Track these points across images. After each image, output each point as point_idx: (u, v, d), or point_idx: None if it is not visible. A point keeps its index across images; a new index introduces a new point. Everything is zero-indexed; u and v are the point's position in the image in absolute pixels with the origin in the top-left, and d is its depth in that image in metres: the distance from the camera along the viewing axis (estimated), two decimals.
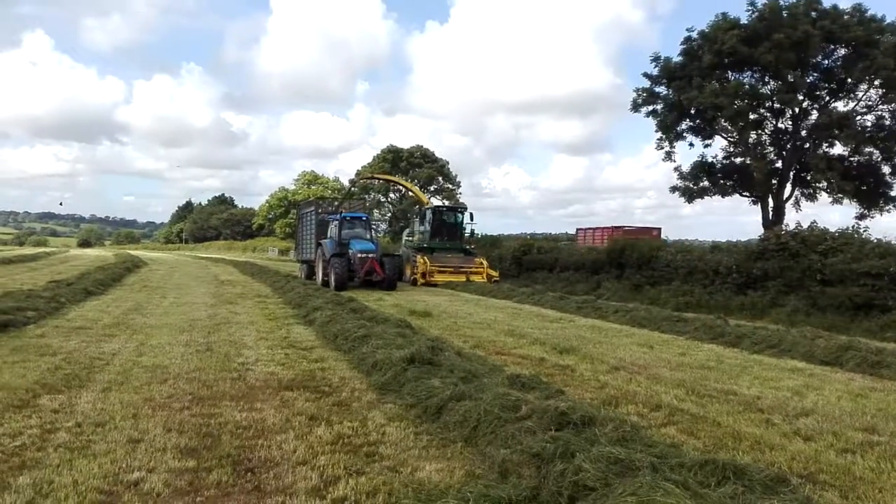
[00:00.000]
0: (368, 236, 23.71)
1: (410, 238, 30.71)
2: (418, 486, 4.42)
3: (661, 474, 4.00)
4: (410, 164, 62.78)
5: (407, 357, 7.67)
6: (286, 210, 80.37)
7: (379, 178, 46.43)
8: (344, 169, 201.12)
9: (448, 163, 65.99)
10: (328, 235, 23.85)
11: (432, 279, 25.19)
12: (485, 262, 26.85)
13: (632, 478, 3.95)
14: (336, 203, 31.09)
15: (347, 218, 23.97)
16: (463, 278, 25.38)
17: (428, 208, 29.88)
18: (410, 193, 39.70)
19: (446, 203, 31.13)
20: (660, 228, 38.81)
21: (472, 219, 28.87)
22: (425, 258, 25.67)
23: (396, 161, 62.51)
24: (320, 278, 22.70)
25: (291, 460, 4.89)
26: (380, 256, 22.38)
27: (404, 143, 66.99)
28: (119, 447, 5.07)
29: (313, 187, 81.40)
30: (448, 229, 28.53)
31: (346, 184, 76.14)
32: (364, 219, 24.69)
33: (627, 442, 4.78)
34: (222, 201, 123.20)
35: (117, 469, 4.63)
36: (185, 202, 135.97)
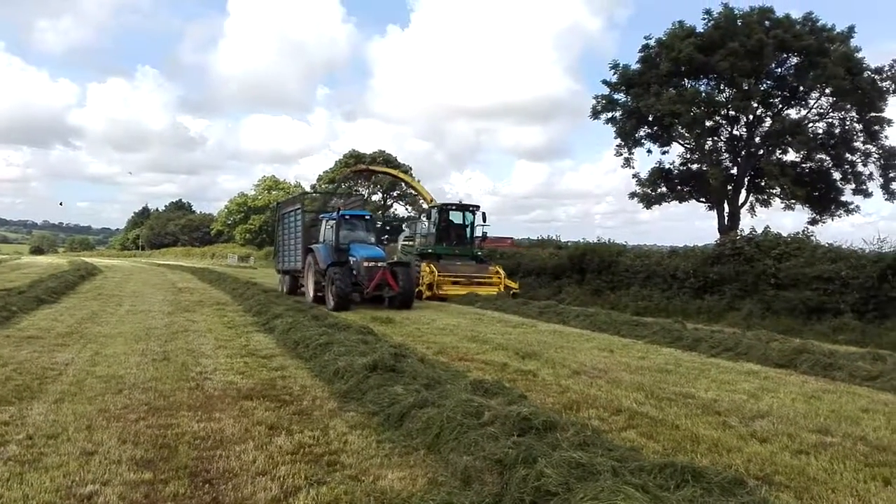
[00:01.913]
0: (373, 240, 19.38)
1: (410, 242, 26.66)
2: (380, 495, 4.39)
3: (621, 478, 4.03)
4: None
5: (369, 364, 7.62)
6: (246, 216, 79.38)
7: (375, 171, 39.48)
8: (304, 174, 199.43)
9: (410, 168, 65.94)
10: (321, 239, 19.29)
11: (441, 292, 21.19)
12: (501, 272, 22.86)
13: (593, 482, 3.98)
14: (327, 197, 26.72)
15: (347, 217, 19.18)
16: (482, 290, 21.48)
17: (433, 207, 25.61)
18: (411, 190, 36.94)
19: (460, 201, 25.02)
20: (512, 238, 38.65)
21: (484, 219, 24.18)
22: (432, 266, 21.73)
23: (358, 163, 62.24)
24: (311, 293, 18.49)
25: (251, 471, 4.81)
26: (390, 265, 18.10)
27: (366, 148, 66.77)
28: (72, 460, 4.93)
29: (274, 192, 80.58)
30: (457, 232, 24.32)
31: (309, 187, 75.60)
32: (368, 218, 20.11)
33: (588, 446, 4.81)
34: (180, 207, 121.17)
35: (70, 482, 4.50)
36: (141, 208, 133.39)
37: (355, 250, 17.87)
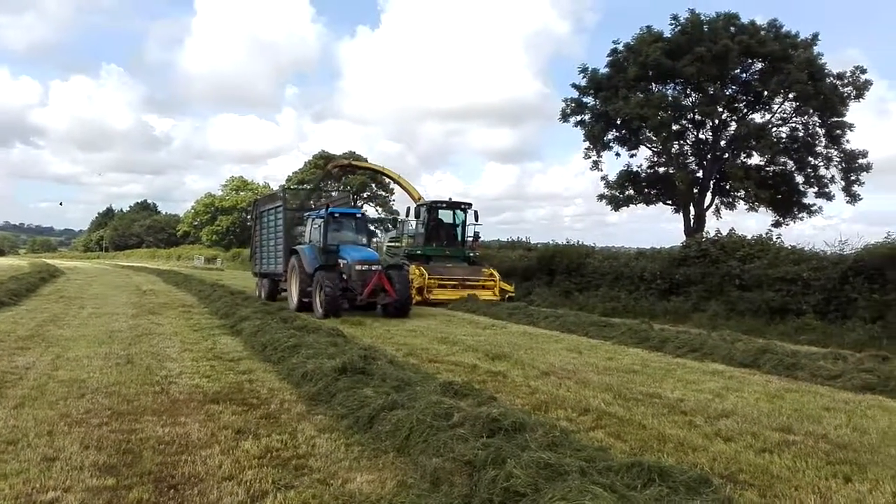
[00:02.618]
0: (365, 241, 17.84)
1: (396, 243, 25.01)
2: (349, 499, 4.36)
3: (589, 478, 4.06)
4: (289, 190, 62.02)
5: (338, 367, 7.56)
6: (213, 217, 78.43)
7: (358, 167, 35.80)
8: (273, 174, 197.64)
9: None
10: (307, 239, 17.70)
11: (432, 296, 19.75)
12: (496, 274, 21.31)
13: (561, 482, 4.00)
14: (310, 194, 24.54)
15: (336, 215, 17.55)
16: (477, 294, 20.06)
17: (421, 205, 23.86)
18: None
19: (450, 198, 23.32)
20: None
21: (476, 218, 22.74)
22: (421, 268, 20.32)
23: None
24: (295, 299, 17.00)
25: (217, 476, 4.74)
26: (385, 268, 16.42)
27: (336, 149, 66.43)
28: (33, 466, 4.82)
29: (242, 193, 79.81)
30: (447, 231, 22.91)
31: (278, 187, 74.95)
32: (359, 216, 18.59)
33: (557, 447, 4.84)
34: (145, 207, 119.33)
35: (30, 489, 4.40)
36: (105, 208, 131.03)
37: (346, 252, 16.31)
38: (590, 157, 32.20)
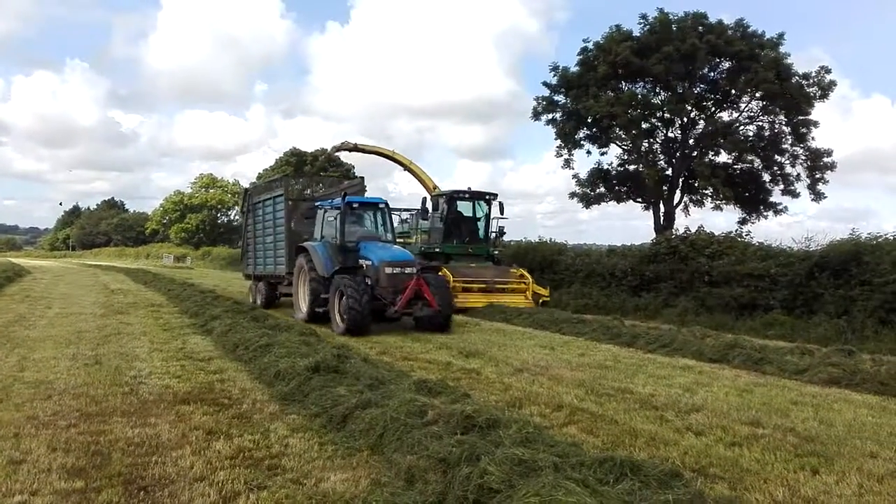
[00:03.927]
0: (390, 236, 15.05)
1: (408, 239, 21.24)
2: (322, 498, 4.34)
3: (562, 473, 4.09)
4: (315, 168, 61.79)
5: (311, 365, 7.52)
6: (182, 214, 77.41)
7: (365, 150, 29.01)
8: (243, 171, 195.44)
9: (354, 167, 65.40)
10: (318, 235, 14.95)
11: (458, 302, 16.11)
12: (528, 276, 18.69)
13: (535, 478, 4.02)
14: (312, 181, 20.98)
15: (355, 205, 14.82)
16: (506, 299, 17.52)
17: (439, 195, 20.84)
18: (401, 170, 27.65)
19: (468, 188, 20.31)
20: None
21: (501, 211, 19.72)
22: (444, 270, 17.14)
23: (300, 165, 61.37)
24: (304, 309, 14.39)
25: (188, 477, 4.69)
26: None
27: (307, 146, 65.97)
28: None
29: (211, 191, 78.92)
30: (468, 226, 20.11)
31: (248, 185, 74.12)
32: (381, 206, 15.36)
33: (531, 443, 4.87)
34: (112, 205, 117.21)
35: None
36: (71, 206, 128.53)
37: (370, 251, 13.45)
38: (561, 156, 32.40)
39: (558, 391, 7.77)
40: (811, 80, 28.44)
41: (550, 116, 31.97)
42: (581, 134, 31.83)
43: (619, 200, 33.23)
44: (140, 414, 6.31)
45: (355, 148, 28.71)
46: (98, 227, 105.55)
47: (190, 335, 11.76)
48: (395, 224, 18.45)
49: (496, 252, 20.26)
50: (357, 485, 4.58)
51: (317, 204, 15.68)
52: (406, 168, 27.46)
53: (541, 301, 18.11)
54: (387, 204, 15.51)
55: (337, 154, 27.99)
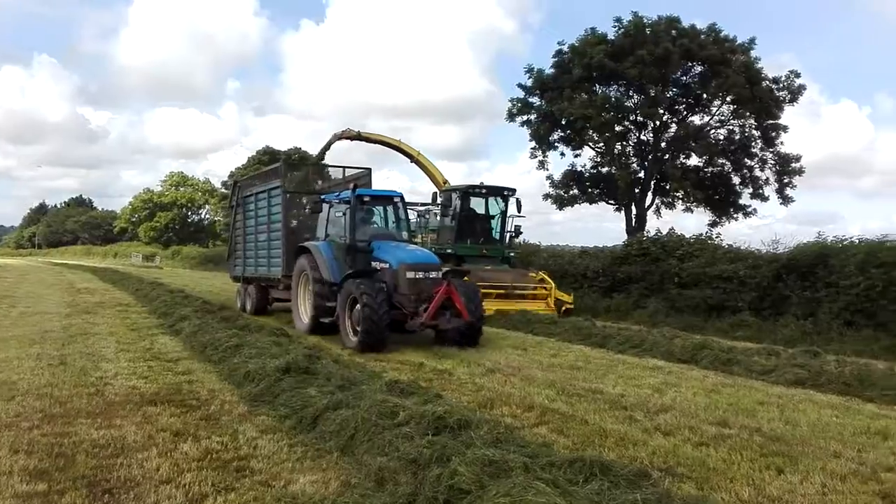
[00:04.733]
0: (406, 234, 13.17)
1: (413, 238, 18.39)
2: (291, 500, 4.29)
3: (532, 474, 4.11)
4: (289, 167, 61.10)
5: (282, 366, 7.45)
6: (151, 213, 76.35)
7: (370, 139, 25.86)
8: (214, 169, 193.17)
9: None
10: (322, 233, 13.07)
11: None
12: (549, 280, 17.04)
13: (505, 479, 4.03)
14: (312, 171, 18.86)
15: (366, 198, 12.88)
16: (527, 306, 16.02)
17: (451, 190, 18.98)
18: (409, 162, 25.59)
19: (481, 182, 18.50)
20: None
21: (519, 209, 18.25)
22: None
23: (273, 163, 60.79)
24: (306, 319, 12.78)
25: (154, 479, 4.62)
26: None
27: (281, 145, 65.38)
28: None
29: (182, 189, 77.98)
30: (482, 225, 18.38)
31: (220, 184, 73.35)
32: (396, 200, 13.26)
33: (502, 443, 4.88)
34: (80, 203, 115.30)
35: None
36: (38, 204, 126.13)
37: (386, 252, 11.55)
38: (536, 157, 32.55)
39: (530, 392, 7.80)
40: (781, 85, 28.93)
41: (525, 118, 32.10)
42: (555, 136, 32.01)
43: (591, 202, 33.48)
44: (105, 415, 6.21)
45: (358, 136, 25.92)
46: (65, 225, 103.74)
47: (158, 335, 11.59)
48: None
49: (512, 254, 18.57)
50: (327, 486, 4.55)
51: (322, 197, 13.55)
52: (413, 160, 25.29)
53: (563, 309, 16.31)
54: (402, 197, 13.36)
55: (347, 138, 25.38)
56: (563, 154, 33.23)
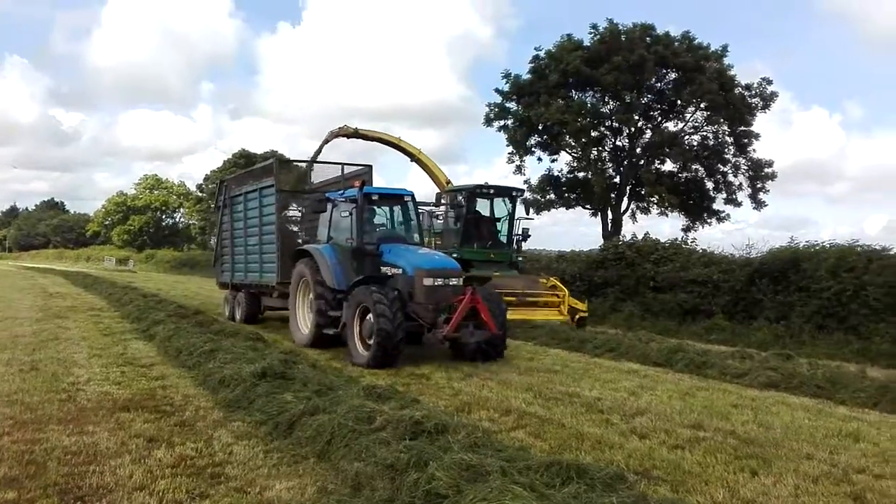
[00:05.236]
0: (417, 237, 12.10)
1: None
2: None
3: (509, 478, 4.12)
4: (282, 164, 60.47)
5: (258, 371, 7.40)
6: (125, 216, 75.43)
7: (369, 136, 24.02)
8: (189, 172, 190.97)
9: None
10: (325, 235, 11.93)
11: None
12: (561, 286, 15.98)
13: (482, 483, 4.04)
14: (308, 169, 17.11)
15: (374, 197, 11.77)
16: (538, 315, 15.07)
17: (456, 190, 17.76)
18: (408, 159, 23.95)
19: (486, 182, 17.39)
20: None
21: (527, 211, 17.84)
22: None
23: (249, 166, 60.33)
24: (306, 330, 11.74)
25: (127, 486, 4.56)
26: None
27: (256, 148, 64.80)
28: None
29: (156, 192, 77.17)
30: (489, 228, 17.22)
31: (195, 187, 72.63)
32: (407, 199, 12.15)
33: (479, 447, 4.88)
34: (52, 206, 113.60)
35: None
36: (9, 206, 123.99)
37: (399, 256, 10.58)
38: (513, 162, 32.64)
39: (507, 395, 7.82)
40: (753, 92, 29.33)
41: (502, 123, 32.21)
42: (532, 141, 32.13)
43: (568, 207, 33.64)
44: (77, 421, 6.11)
45: (356, 134, 23.77)
46: (36, 229, 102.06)
47: (131, 340, 11.44)
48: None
49: (520, 258, 17.42)
50: (303, 493, 4.52)
51: (327, 195, 12.36)
52: (414, 159, 23.68)
53: (577, 317, 15.36)
54: (413, 196, 12.21)
55: (344, 135, 23.58)
56: (539, 159, 33.40)
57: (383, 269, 10.62)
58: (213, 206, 25.96)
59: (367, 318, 9.71)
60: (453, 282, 10.22)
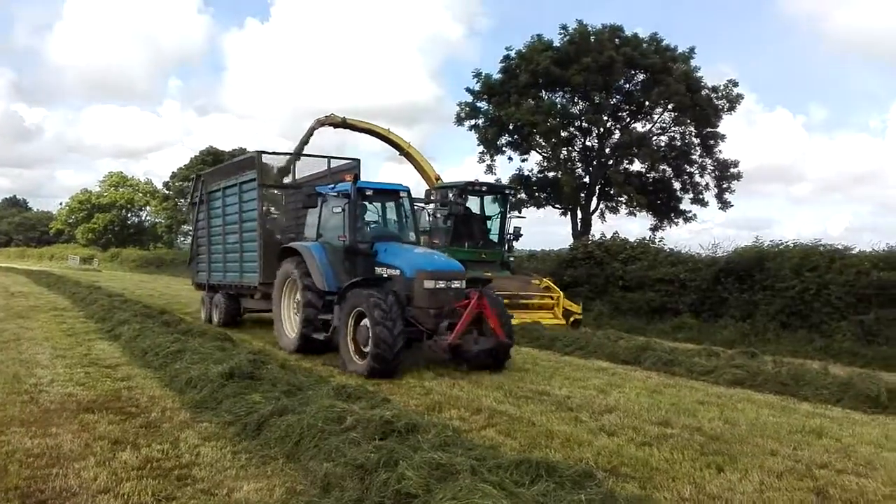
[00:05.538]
0: (413, 235, 11.41)
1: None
2: None
3: (479, 476, 4.13)
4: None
5: (226, 372, 7.32)
6: (89, 214, 74.00)
7: (356, 127, 22.36)
8: (154, 170, 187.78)
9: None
10: (314, 233, 11.14)
11: None
12: (555, 288, 15.72)
13: (452, 482, 4.05)
14: (291, 162, 14.69)
15: (369, 192, 10.93)
16: (532, 317, 14.51)
17: (445, 187, 16.86)
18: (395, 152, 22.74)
19: (476, 179, 16.88)
20: None
21: (519, 210, 17.48)
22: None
23: (217, 164, 59.60)
24: (293, 336, 10.94)
25: (91, 489, 4.47)
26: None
27: (224, 145, 64.11)
28: None
29: (121, 189, 75.84)
30: (479, 226, 16.71)
31: (161, 184, 71.56)
32: (403, 194, 11.43)
33: (449, 446, 4.89)
34: (14, 203, 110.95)
35: None
36: None
37: (395, 255, 9.93)
38: (484, 161, 32.76)
39: (478, 394, 7.84)
40: (719, 94, 29.80)
41: (473, 122, 32.30)
42: (503, 140, 32.28)
43: (538, 206, 33.86)
44: (40, 423, 5.99)
45: (343, 124, 22.08)
46: None
47: (96, 341, 11.23)
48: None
49: (511, 259, 17.08)
50: (272, 494, 4.48)
51: (317, 190, 11.44)
52: (403, 152, 22.62)
53: (572, 319, 15.01)
54: (409, 192, 11.48)
55: (330, 125, 22.04)
56: (510, 158, 33.56)
57: (378, 269, 9.94)
58: (187, 202, 24.59)
59: (362, 323, 9.02)
60: (456, 284, 9.55)
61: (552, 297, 15.34)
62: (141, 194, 75.79)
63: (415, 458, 4.42)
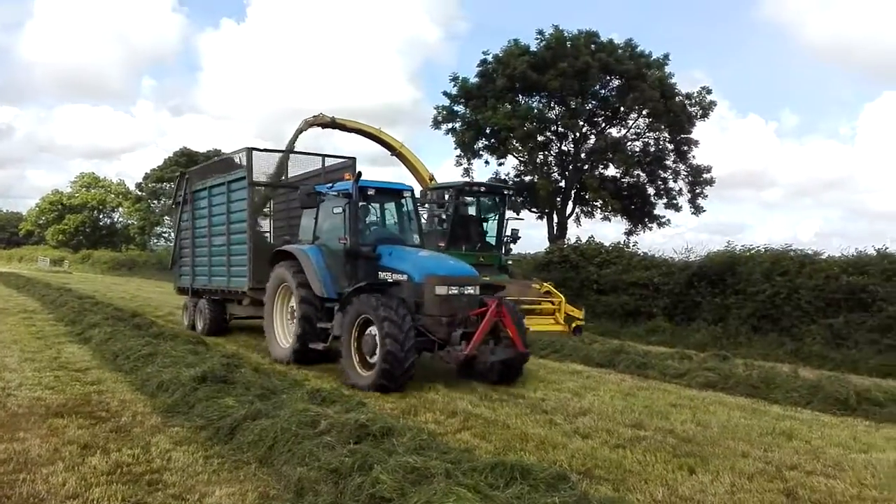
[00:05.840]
0: (417, 238, 10.56)
1: None
2: None
3: (454, 479, 4.13)
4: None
5: (198, 375, 7.24)
6: (60, 215, 72.82)
7: (347, 127, 20.88)
8: (127, 171, 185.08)
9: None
10: (310, 235, 10.39)
11: None
12: (556, 292, 15.15)
13: (427, 485, 4.05)
14: (283, 160, 13.67)
15: (370, 191, 10.11)
16: (533, 323, 12.69)
17: (441, 188, 16.32)
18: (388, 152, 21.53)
19: (472, 179, 15.35)
20: None
21: (518, 210, 16.72)
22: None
23: (191, 165, 58.99)
24: (286, 344, 10.28)
25: (60, 495, 4.40)
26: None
27: (199, 146, 63.39)
28: None
29: (93, 190, 74.76)
30: (476, 228, 16.07)
31: (134, 185, 70.63)
32: (406, 194, 10.72)
33: (424, 450, 4.89)
34: None
35: None
36: None
37: (402, 259, 9.25)
38: (461, 164, 32.80)
39: (453, 397, 7.84)
40: (693, 100, 30.17)
41: (450, 126, 32.34)
42: (480, 144, 32.35)
43: (515, 210, 33.99)
44: (8, 428, 5.89)
45: (332, 124, 20.48)
46: None
47: (66, 344, 11.05)
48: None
49: (509, 262, 16.29)
50: (244, 499, 4.45)
51: (317, 188, 10.72)
52: (395, 152, 21.54)
53: (574, 325, 14.48)
54: (412, 192, 10.88)
55: (320, 125, 20.48)
56: (487, 162, 33.62)
57: (382, 274, 9.21)
58: (169, 203, 23.92)
59: (368, 331, 8.38)
60: (469, 290, 8.83)
61: (553, 303, 14.80)
62: (113, 195, 74.78)
63: (389, 461, 4.41)
